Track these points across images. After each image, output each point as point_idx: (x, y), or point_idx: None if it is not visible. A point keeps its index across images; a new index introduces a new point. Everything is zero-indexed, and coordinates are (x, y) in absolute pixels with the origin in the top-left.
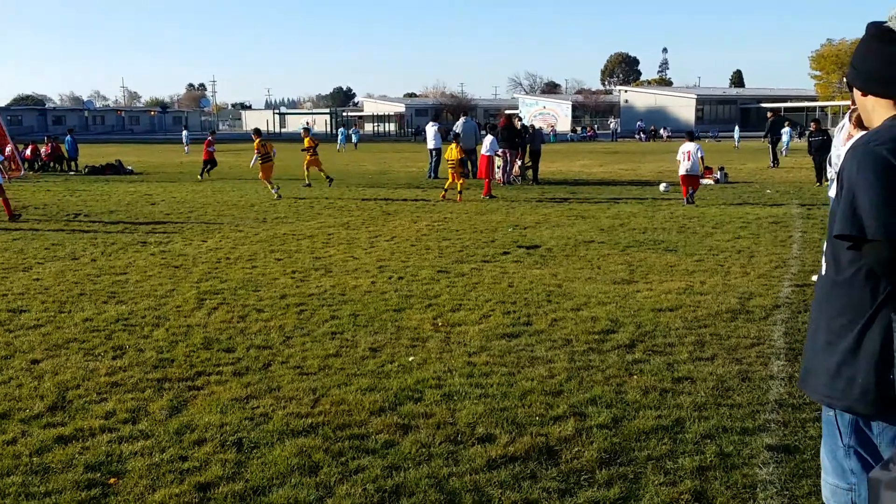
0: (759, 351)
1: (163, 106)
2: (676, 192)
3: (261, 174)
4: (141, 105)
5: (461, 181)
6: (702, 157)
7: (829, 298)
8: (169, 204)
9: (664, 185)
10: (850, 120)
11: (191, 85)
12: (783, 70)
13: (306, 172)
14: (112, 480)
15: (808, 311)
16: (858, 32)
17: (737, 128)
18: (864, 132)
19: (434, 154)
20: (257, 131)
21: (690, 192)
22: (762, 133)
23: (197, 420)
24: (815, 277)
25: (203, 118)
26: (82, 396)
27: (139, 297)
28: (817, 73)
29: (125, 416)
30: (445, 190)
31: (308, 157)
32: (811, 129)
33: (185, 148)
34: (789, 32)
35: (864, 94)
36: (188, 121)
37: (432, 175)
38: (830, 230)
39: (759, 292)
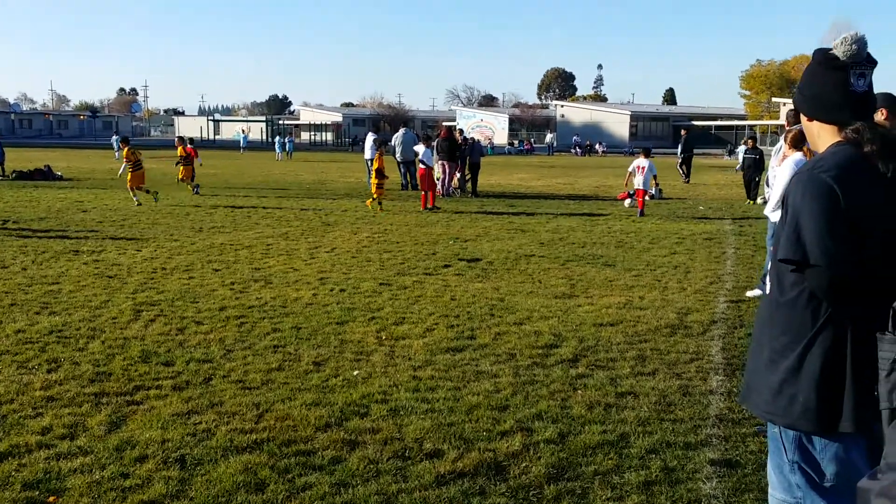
0: (698, 366)
1: (93, 110)
2: (617, 206)
3: (129, 182)
4: (70, 109)
5: (379, 190)
6: (654, 176)
7: (772, 318)
8: (101, 211)
9: (628, 201)
10: (785, 140)
11: (122, 89)
12: (714, 89)
13: (189, 183)
14: (51, 499)
15: (743, 326)
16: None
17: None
18: (798, 152)
19: (370, 164)
20: (125, 139)
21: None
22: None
23: (137, 436)
24: (749, 293)
25: (134, 123)
26: (17, 411)
27: (73, 307)
28: (747, 92)
29: (63, 431)
30: (379, 200)
31: (182, 167)
32: (747, 146)
33: (116, 153)
34: (720, 52)
35: (810, 120)
36: (119, 126)
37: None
38: (775, 252)
39: (696, 308)
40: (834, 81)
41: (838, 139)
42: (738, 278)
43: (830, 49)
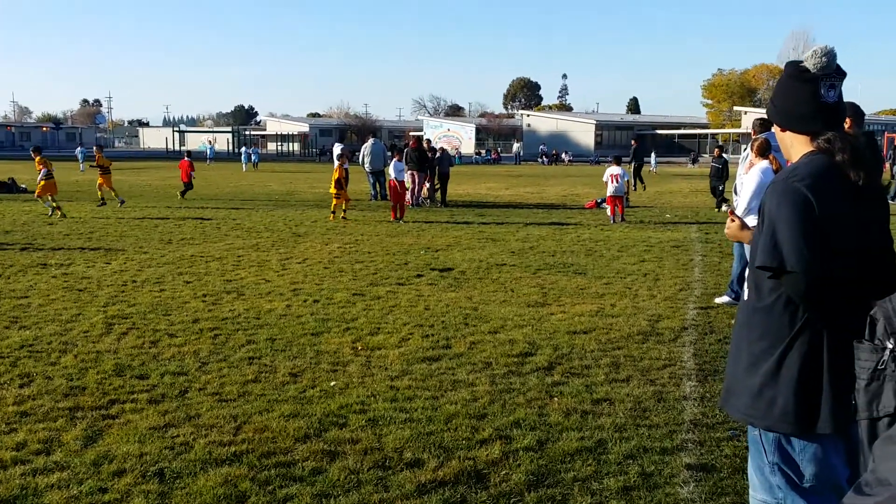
0: (671, 372)
1: (56, 122)
2: (585, 214)
3: (38, 191)
4: (32, 121)
5: (336, 201)
6: (627, 181)
7: (750, 323)
8: (68, 224)
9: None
10: (751, 149)
11: (85, 100)
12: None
13: (99, 192)
14: None
15: (713, 332)
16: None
17: (653, 153)
18: (764, 160)
19: None
20: (37, 149)
21: (618, 211)
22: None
23: (114, 450)
24: (717, 300)
25: (98, 135)
26: None
27: (43, 321)
28: (709, 101)
29: (37, 447)
30: (335, 210)
31: (100, 176)
32: (714, 155)
33: (81, 165)
34: (683, 62)
35: (783, 130)
36: (83, 137)
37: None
38: (752, 259)
39: (667, 315)
40: (805, 93)
41: (811, 149)
42: (706, 285)
43: (801, 62)
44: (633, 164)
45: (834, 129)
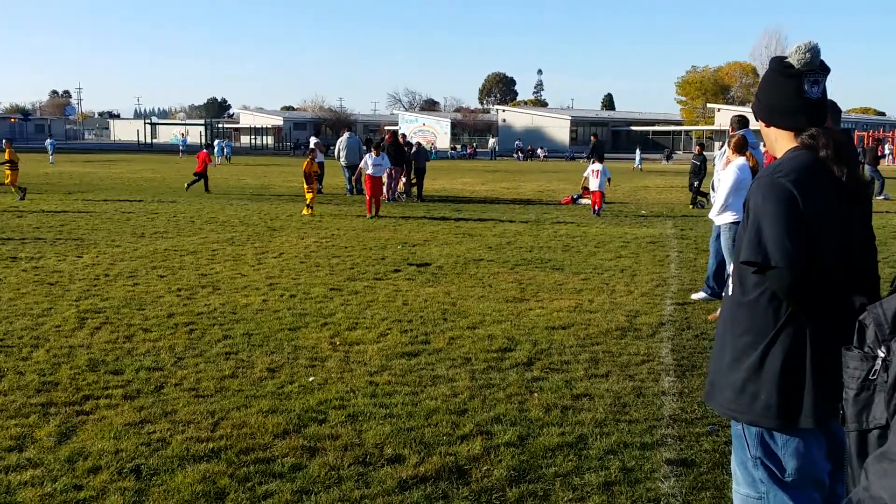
0: (649, 367)
1: (24, 113)
2: (561, 210)
3: (9, 180)
4: (0, 111)
5: (311, 195)
6: (608, 179)
7: (734, 318)
8: (38, 216)
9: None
10: (728, 146)
11: (55, 92)
12: (651, 95)
13: (13, 188)
14: None
15: (690, 328)
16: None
17: (637, 150)
18: (741, 157)
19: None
20: (9, 141)
21: (598, 206)
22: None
23: (89, 447)
24: (693, 296)
25: (68, 126)
26: None
27: (14, 316)
28: (682, 98)
29: (10, 443)
30: (311, 204)
31: (8, 170)
32: (695, 152)
33: (50, 157)
34: (657, 59)
35: (768, 126)
36: (52, 129)
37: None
38: (737, 254)
39: (645, 310)
40: (789, 89)
41: (795, 144)
42: (682, 281)
43: (786, 58)
44: (591, 161)
45: (817, 125)
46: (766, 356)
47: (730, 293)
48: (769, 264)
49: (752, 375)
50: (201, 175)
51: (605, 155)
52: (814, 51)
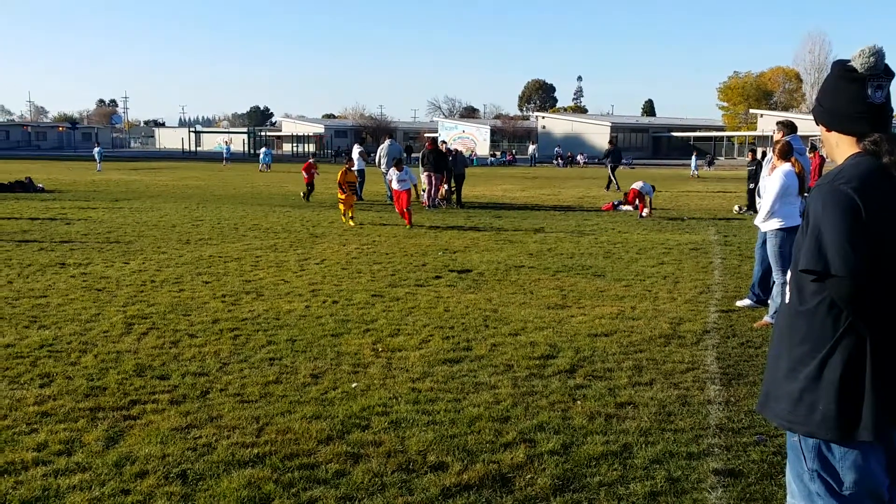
0: (694, 376)
1: (72, 122)
2: (602, 217)
3: None
4: (48, 120)
5: (342, 206)
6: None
7: (792, 327)
8: (86, 224)
9: (737, 207)
10: (773, 152)
11: (101, 101)
12: (692, 100)
13: None
14: None
15: (735, 336)
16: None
17: (694, 156)
18: (786, 163)
19: (359, 176)
20: None
21: (641, 210)
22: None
23: (136, 451)
24: (738, 303)
25: (114, 135)
26: (10, 427)
27: (62, 321)
28: (724, 104)
29: (59, 447)
30: (345, 214)
31: None
32: (748, 158)
33: (98, 165)
34: (698, 64)
35: (829, 131)
36: (99, 137)
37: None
38: (796, 262)
39: (688, 317)
40: (852, 93)
41: (857, 150)
42: (726, 288)
43: (849, 61)
44: (610, 165)
45: (881, 131)
46: (824, 366)
47: (786, 301)
48: (829, 273)
49: (810, 385)
50: (310, 185)
51: (640, 161)
52: (878, 55)
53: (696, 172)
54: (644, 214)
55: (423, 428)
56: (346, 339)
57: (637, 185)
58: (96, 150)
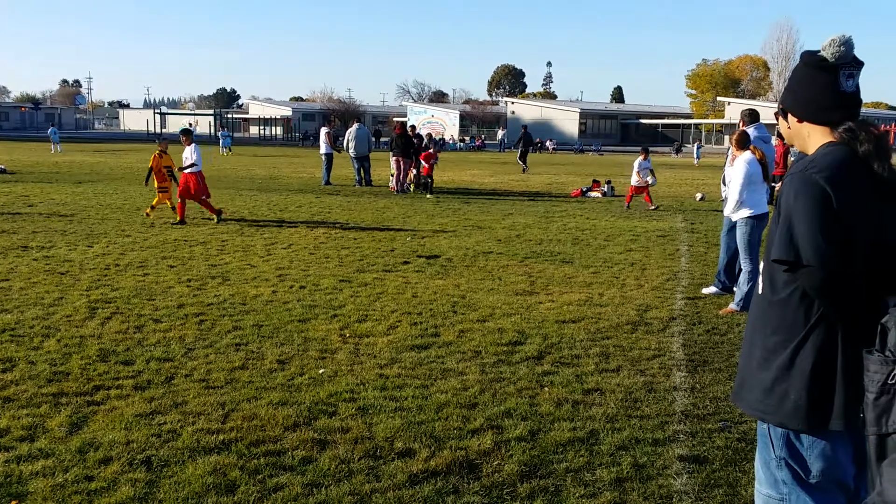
0: (660, 362)
1: (35, 102)
2: (570, 203)
3: None
4: (10, 101)
5: (159, 195)
6: (650, 169)
7: (764, 317)
8: (48, 206)
9: (700, 195)
10: (731, 142)
11: (65, 81)
12: (661, 88)
13: None
14: (13, 503)
15: (701, 323)
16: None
17: (696, 145)
18: (746, 152)
19: (326, 160)
20: None
21: (644, 199)
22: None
23: (100, 437)
24: (704, 290)
25: (78, 116)
26: None
27: (25, 305)
28: (692, 91)
29: (21, 433)
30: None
31: None
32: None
33: (56, 146)
34: (667, 51)
35: (801, 121)
36: (62, 118)
37: (326, 181)
38: (768, 252)
39: (655, 304)
40: (824, 83)
41: (830, 140)
42: (693, 275)
43: (818, 51)
44: (520, 149)
45: (852, 120)
46: (796, 356)
47: (759, 291)
48: (801, 263)
49: (782, 375)
50: (430, 176)
51: (608, 147)
52: (848, 44)
53: (697, 160)
54: (652, 207)
55: (391, 414)
56: (313, 325)
57: (644, 181)
58: (51, 130)
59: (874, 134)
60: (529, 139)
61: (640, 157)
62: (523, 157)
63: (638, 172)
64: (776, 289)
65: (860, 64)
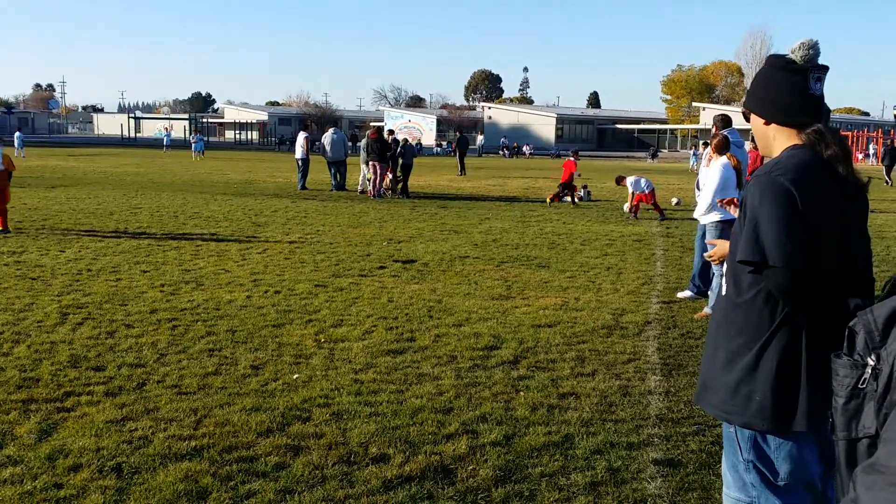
0: (635, 366)
1: (7, 106)
2: (545, 208)
3: None
4: None
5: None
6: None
7: (728, 318)
8: (19, 210)
9: (675, 199)
10: (710, 146)
11: (38, 85)
12: (637, 93)
13: None
14: None
15: (676, 327)
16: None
17: (693, 150)
18: (723, 157)
19: (301, 164)
20: None
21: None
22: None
23: (70, 444)
24: (679, 294)
25: (51, 120)
26: None
27: None
28: (668, 97)
29: None
30: None
31: None
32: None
33: (20, 151)
34: (642, 57)
35: (767, 123)
36: (35, 122)
37: (302, 186)
38: (733, 254)
39: (630, 308)
40: (792, 85)
41: (795, 142)
42: (668, 279)
43: (787, 54)
44: (457, 153)
45: (819, 122)
46: (760, 357)
47: (723, 293)
48: (766, 263)
49: (747, 376)
50: (567, 185)
51: (585, 153)
52: (816, 48)
53: (693, 166)
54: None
55: (366, 420)
56: (287, 330)
57: (642, 185)
58: (17, 135)
59: (840, 137)
60: (465, 143)
61: (633, 177)
62: (461, 161)
63: (634, 192)
64: (741, 290)
65: (826, 68)
